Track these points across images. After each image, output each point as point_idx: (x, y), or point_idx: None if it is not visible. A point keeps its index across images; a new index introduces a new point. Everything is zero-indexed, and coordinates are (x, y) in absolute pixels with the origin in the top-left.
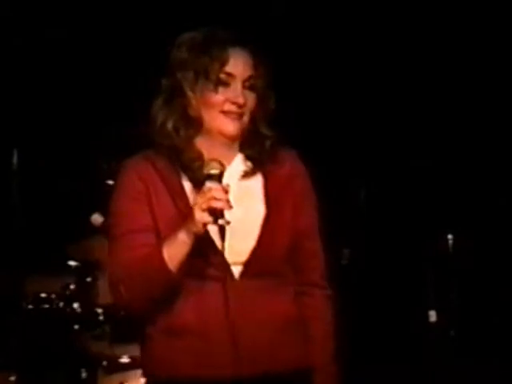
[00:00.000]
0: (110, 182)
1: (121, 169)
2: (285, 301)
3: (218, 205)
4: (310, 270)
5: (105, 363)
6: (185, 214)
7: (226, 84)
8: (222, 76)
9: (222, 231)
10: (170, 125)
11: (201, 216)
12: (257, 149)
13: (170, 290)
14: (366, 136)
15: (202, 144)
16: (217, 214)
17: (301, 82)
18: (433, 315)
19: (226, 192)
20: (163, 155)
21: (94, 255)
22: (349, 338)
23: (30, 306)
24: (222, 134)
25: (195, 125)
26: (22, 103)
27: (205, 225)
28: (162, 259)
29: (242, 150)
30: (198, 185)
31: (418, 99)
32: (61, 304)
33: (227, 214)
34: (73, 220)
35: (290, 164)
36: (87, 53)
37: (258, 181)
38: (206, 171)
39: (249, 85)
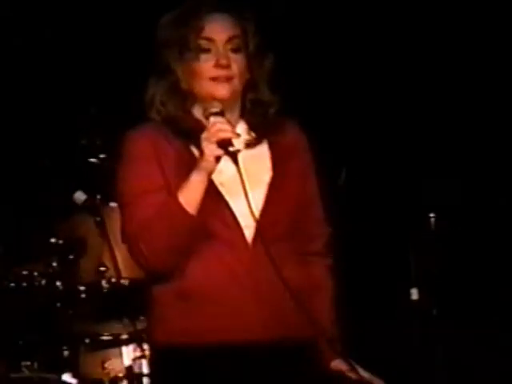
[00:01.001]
0: (93, 160)
1: (127, 137)
2: (294, 268)
3: (225, 135)
4: (314, 239)
5: (87, 341)
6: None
7: (207, 50)
8: (202, 42)
9: (234, 160)
10: (166, 101)
11: (211, 150)
12: (259, 118)
13: (192, 236)
14: (350, 113)
15: (198, 112)
16: (226, 144)
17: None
18: (414, 293)
19: (230, 124)
20: (165, 126)
21: (77, 233)
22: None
23: (12, 284)
24: (215, 99)
25: (189, 97)
26: (2, 79)
27: (217, 159)
28: (179, 204)
29: (244, 118)
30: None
31: (407, 84)
32: (43, 282)
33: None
34: (55, 198)
35: (295, 134)
36: (71, 32)
37: (263, 150)
38: (207, 112)
39: (233, 46)
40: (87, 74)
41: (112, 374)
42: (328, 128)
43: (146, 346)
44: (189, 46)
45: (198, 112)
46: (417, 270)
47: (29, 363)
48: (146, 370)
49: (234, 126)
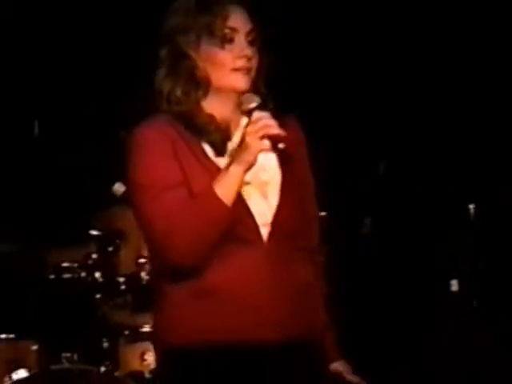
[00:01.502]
0: None
1: (141, 130)
2: (303, 265)
3: (274, 131)
4: (311, 235)
5: (126, 333)
6: (213, 172)
7: (230, 40)
8: (227, 31)
9: (282, 156)
10: (178, 91)
11: (258, 144)
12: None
13: (224, 230)
14: (388, 107)
15: (210, 105)
16: (272, 140)
17: (321, 51)
18: (454, 284)
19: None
20: (177, 121)
21: (116, 224)
22: (368, 307)
23: (52, 276)
24: (234, 90)
25: (203, 86)
26: (43, 74)
27: (260, 152)
28: (217, 196)
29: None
30: (216, 147)
31: (440, 71)
32: (83, 274)
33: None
34: (95, 190)
35: (294, 130)
36: (111, 22)
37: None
38: (244, 107)
39: (251, 39)
40: (124, 63)
41: (151, 366)
42: (368, 121)
43: None
44: (213, 34)
45: (208, 105)
46: (456, 261)
47: (69, 355)
48: None
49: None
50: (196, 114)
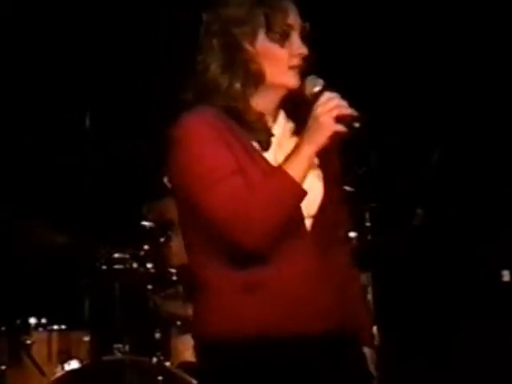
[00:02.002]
0: None
1: (193, 120)
2: (342, 256)
3: (347, 111)
4: (340, 226)
5: (178, 323)
6: (262, 166)
7: (287, 36)
8: (285, 27)
9: (359, 134)
10: (238, 86)
11: (332, 125)
12: (292, 108)
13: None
14: (443, 95)
15: (256, 100)
16: (345, 120)
17: (374, 41)
18: (506, 274)
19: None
20: (224, 114)
21: (168, 216)
22: (421, 298)
23: (104, 267)
24: (286, 88)
25: (257, 81)
26: (95, 67)
27: (333, 133)
28: (291, 176)
29: (283, 106)
30: (261, 143)
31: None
32: (134, 264)
33: None
34: (147, 181)
35: None
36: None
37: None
38: (309, 90)
39: (303, 37)
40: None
41: None
42: (421, 109)
43: None
44: (271, 28)
45: (255, 100)
46: (508, 251)
47: (120, 346)
48: None
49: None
50: (246, 110)
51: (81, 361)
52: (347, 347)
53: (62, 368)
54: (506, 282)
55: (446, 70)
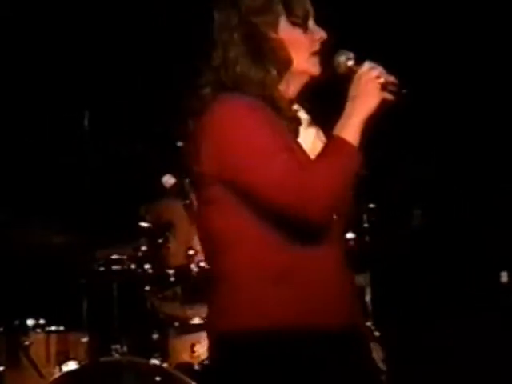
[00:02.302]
0: (180, 144)
1: (238, 103)
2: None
3: (390, 78)
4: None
5: (176, 324)
6: (299, 150)
7: (306, 23)
8: (306, 13)
9: (404, 99)
10: (273, 73)
11: (379, 92)
12: (306, 99)
13: None
14: (439, 96)
15: (282, 88)
16: (390, 87)
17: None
18: (504, 276)
19: None
20: (261, 101)
21: (166, 217)
22: (420, 299)
23: (102, 268)
24: (310, 75)
25: (286, 68)
26: (94, 66)
27: (380, 101)
28: (353, 145)
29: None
30: (294, 133)
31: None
32: (132, 265)
33: None
34: (144, 182)
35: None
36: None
37: (316, 128)
38: (343, 64)
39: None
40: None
41: (201, 358)
42: (419, 111)
43: None
44: (295, 14)
45: (284, 90)
46: (506, 252)
47: (118, 347)
48: None
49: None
50: (280, 99)
51: (79, 362)
52: (362, 341)
53: (60, 369)
54: (504, 283)
55: (442, 66)
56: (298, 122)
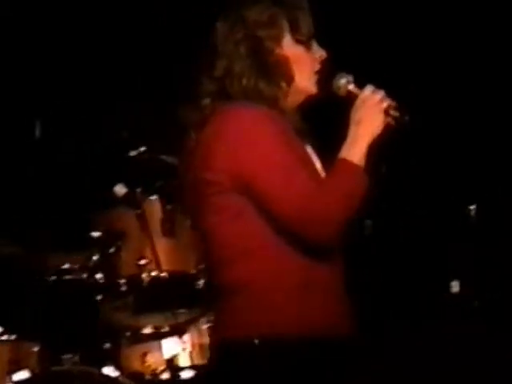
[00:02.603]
0: (133, 153)
1: (251, 112)
2: None
3: (392, 102)
4: None
5: (128, 334)
6: (310, 164)
7: (310, 41)
8: (310, 31)
9: (405, 126)
10: (283, 87)
11: (382, 116)
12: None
13: None
14: None
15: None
16: (392, 112)
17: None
18: (455, 286)
19: None
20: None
21: (117, 226)
22: (370, 310)
23: (53, 278)
24: (308, 94)
25: (288, 84)
26: (44, 75)
27: (382, 126)
28: (361, 170)
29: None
30: None
31: None
32: (84, 275)
33: None
34: (95, 191)
35: None
36: (107, 26)
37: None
38: (343, 87)
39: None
40: (123, 62)
41: (152, 367)
42: None
43: (186, 339)
44: (300, 32)
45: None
46: (456, 262)
47: (70, 356)
48: (186, 363)
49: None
50: (289, 112)
51: (30, 371)
52: (358, 351)
53: (11, 378)
54: (455, 293)
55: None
56: (305, 134)
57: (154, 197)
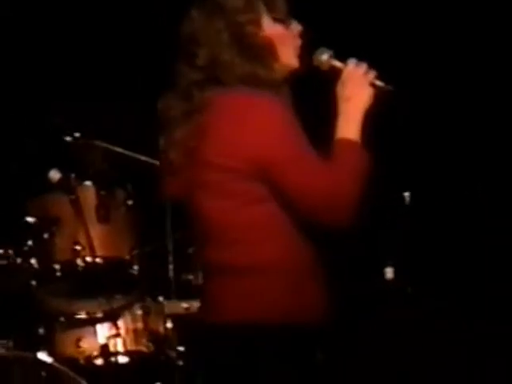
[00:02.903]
0: (68, 139)
1: (270, 101)
2: None
3: (374, 73)
4: None
5: (62, 319)
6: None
7: (288, 18)
8: (286, 8)
9: (390, 94)
10: (277, 69)
11: (370, 91)
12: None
13: None
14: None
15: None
16: (377, 83)
17: None
18: (389, 272)
19: None
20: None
21: (52, 211)
22: None
23: None
24: (293, 69)
25: (274, 63)
26: None
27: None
28: (363, 148)
29: None
30: None
31: None
32: (18, 260)
33: None
34: (30, 176)
35: None
36: (62, 20)
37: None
38: (326, 62)
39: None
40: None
41: (87, 353)
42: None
43: (121, 324)
44: (277, 11)
45: None
46: (391, 248)
47: (4, 341)
48: (120, 348)
49: None
50: (286, 94)
51: None
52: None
53: None
54: (389, 280)
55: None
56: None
57: (88, 182)
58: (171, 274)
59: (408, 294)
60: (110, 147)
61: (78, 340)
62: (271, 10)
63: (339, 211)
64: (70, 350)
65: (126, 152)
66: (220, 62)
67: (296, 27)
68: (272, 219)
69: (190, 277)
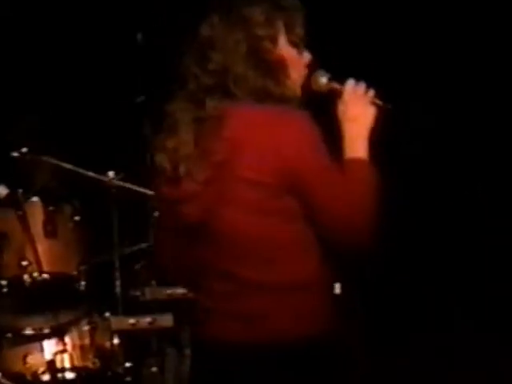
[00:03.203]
0: (15, 154)
1: (301, 117)
2: None
3: (372, 92)
4: None
5: (9, 335)
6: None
7: (302, 45)
8: (303, 35)
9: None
10: (291, 87)
11: (373, 110)
12: None
13: None
14: None
15: None
16: (376, 101)
17: None
18: (337, 287)
19: None
20: None
21: (0, 227)
22: None
23: None
24: (296, 97)
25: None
26: None
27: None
28: (373, 168)
29: None
30: None
31: None
32: None
33: None
34: None
35: None
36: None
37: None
38: (325, 85)
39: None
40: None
41: (33, 369)
42: None
43: (67, 340)
44: (295, 34)
45: None
46: (338, 265)
47: None
48: (67, 364)
49: None
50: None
51: None
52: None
53: None
54: (337, 295)
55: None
56: None
57: (35, 198)
58: (118, 289)
59: (355, 310)
60: (58, 163)
61: (25, 356)
62: (289, 31)
63: (361, 227)
64: (16, 366)
65: (74, 168)
66: (233, 72)
67: (307, 56)
68: (309, 236)
69: (137, 293)
